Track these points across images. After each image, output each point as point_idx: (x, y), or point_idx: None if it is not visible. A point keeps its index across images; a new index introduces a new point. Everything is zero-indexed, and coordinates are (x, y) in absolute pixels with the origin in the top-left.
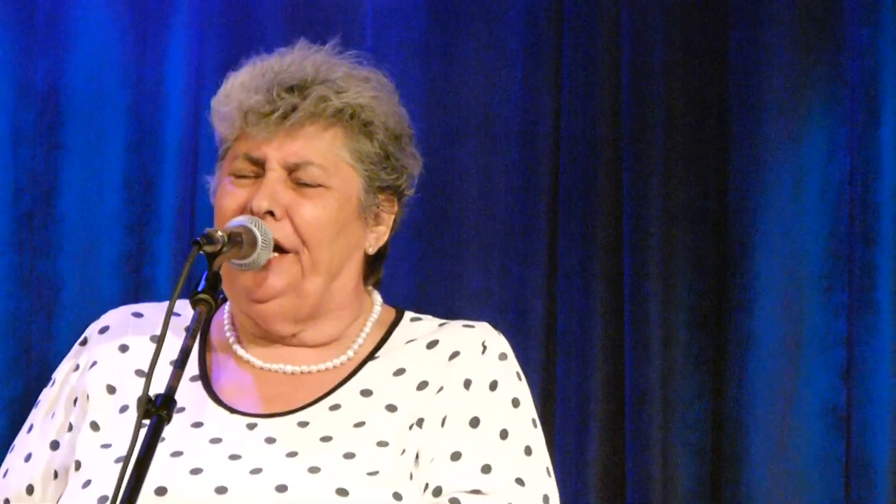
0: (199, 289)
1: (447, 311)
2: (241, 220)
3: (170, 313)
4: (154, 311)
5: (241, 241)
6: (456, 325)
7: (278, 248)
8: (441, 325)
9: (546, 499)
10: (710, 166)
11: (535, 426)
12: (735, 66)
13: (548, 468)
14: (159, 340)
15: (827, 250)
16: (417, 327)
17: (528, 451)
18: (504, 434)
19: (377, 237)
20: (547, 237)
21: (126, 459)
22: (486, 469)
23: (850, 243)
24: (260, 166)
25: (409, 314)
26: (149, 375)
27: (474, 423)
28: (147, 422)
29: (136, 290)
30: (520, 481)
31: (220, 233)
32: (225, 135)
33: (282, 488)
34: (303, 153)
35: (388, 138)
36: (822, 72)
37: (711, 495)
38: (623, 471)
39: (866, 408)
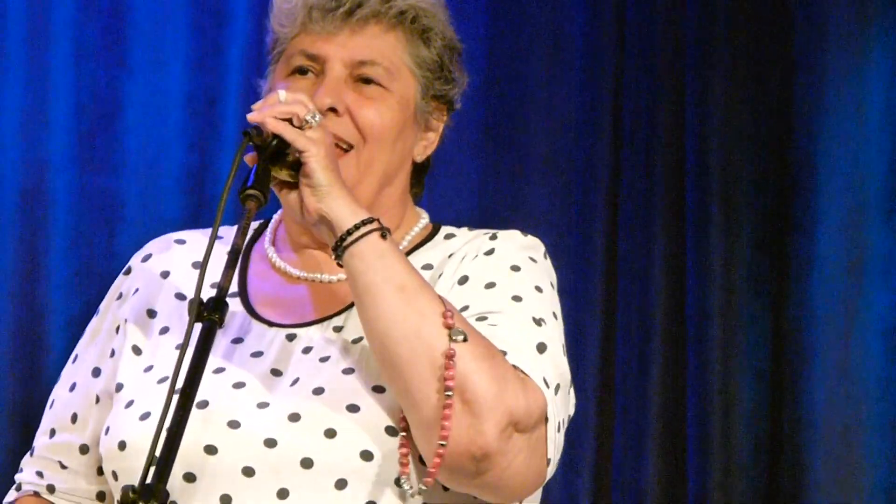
0: (249, 184)
1: None
2: None
3: (221, 212)
4: (196, 238)
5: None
6: (482, 236)
7: (337, 145)
8: (473, 236)
9: (541, 320)
10: (773, 89)
11: (541, 291)
12: None
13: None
14: (209, 245)
15: (889, 173)
16: (450, 243)
17: (517, 298)
18: (490, 286)
19: (426, 145)
20: (610, 161)
21: (178, 360)
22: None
23: None
24: (320, 64)
25: (444, 230)
26: (200, 276)
27: (462, 280)
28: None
29: (198, 208)
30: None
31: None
32: (283, 33)
33: (319, 391)
34: (368, 52)
35: (444, 48)
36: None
37: (771, 416)
38: (683, 391)
39: None
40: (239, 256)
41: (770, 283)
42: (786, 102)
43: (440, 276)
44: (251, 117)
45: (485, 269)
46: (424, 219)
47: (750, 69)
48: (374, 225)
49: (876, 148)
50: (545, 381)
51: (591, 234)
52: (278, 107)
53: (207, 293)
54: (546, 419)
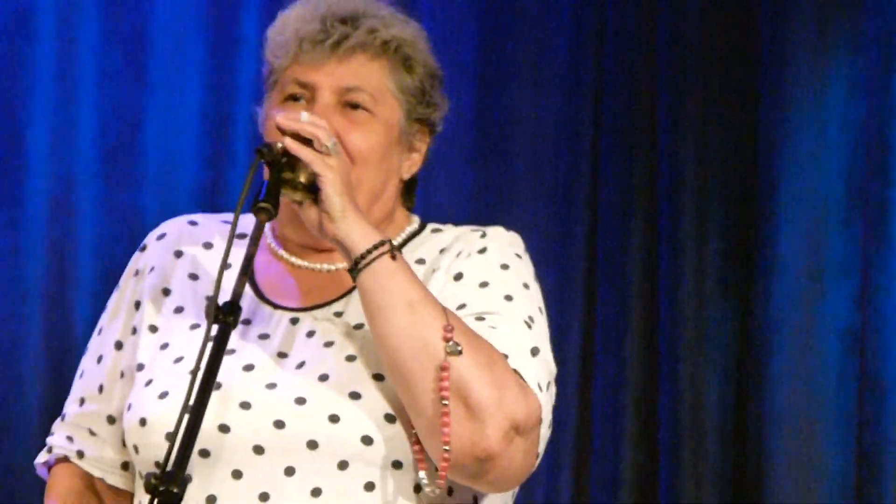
0: (261, 197)
1: None
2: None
3: (235, 223)
4: (208, 220)
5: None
6: (471, 233)
7: None
8: (460, 232)
9: (531, 320)
10: (740, 111)
11: (528, 288)
12: (766, 18)
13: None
14: (225, 252)
15: (846, 186)
16: (438, 237)
17: (508, 298)
18: (484, 285)
19: (411, 165)
20: (590, 174)
21: (195, 368)
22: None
23: (867, 179)
24: (311, 91)
25: (430, 226)
26: (217, 285)
27: (458, 277)
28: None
29: None
30: (508, 298)
31: (280, 144)
32: (277, 64)
33: (324, 377)
34: (355, 79)
35: (425, 75)
36: (845, 27)
37: (736, 410)
38: (656, 388)
39: (880, 330)
40: (251, 265)
41: (737, 287)
42: (752, 123)
43: (434, 271)
44: (280, 121)
45: (478, 269)
46: (414, 225)
47: (719, 93)
48: (385, 248)
49: (834, 164)
50: (539, 385)
51: (572, 240)
52: (303, 125)
53: (215, 284)
54: (540, 421)
